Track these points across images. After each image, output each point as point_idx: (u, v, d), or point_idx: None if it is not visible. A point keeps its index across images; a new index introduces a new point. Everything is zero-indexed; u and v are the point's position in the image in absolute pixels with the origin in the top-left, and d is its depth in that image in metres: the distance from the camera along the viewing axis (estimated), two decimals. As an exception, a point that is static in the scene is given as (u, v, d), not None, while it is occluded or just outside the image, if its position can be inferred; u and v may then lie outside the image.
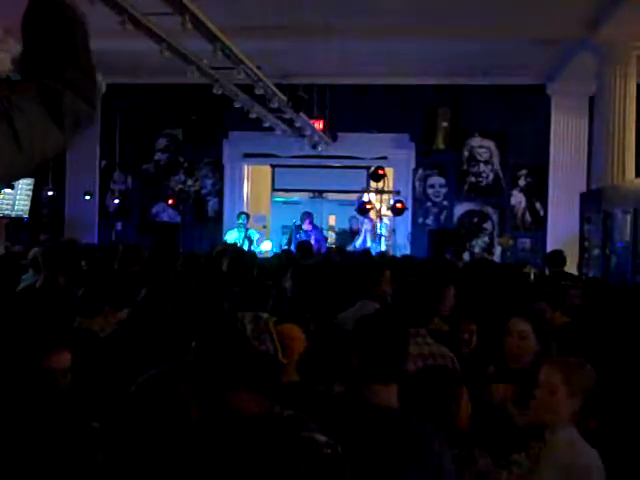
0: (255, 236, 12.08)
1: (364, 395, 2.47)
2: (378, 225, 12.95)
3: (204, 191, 13.87)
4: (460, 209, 13.34)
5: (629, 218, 9.00)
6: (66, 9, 1.36)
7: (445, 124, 13.00)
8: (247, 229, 12.02)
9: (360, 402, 2.47)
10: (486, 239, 13.25)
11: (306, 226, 12.27)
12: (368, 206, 12.54)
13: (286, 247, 11.14)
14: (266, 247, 12.37)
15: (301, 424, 1.87)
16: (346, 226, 15.11)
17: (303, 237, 11.59)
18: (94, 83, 1.37)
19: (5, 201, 12.26)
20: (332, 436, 1.86)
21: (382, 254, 10.64)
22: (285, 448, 1.79)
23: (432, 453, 2.32)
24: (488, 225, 13.28)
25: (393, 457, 2.28)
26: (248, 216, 12.44)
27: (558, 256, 7.93)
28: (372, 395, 2.46)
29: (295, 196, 16.04)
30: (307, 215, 12.49)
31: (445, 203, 13.39)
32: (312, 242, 10.11)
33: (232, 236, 11.83)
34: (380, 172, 12.27)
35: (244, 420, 1.85)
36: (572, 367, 2.68)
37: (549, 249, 10.60)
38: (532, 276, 8.51)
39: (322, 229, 13.46)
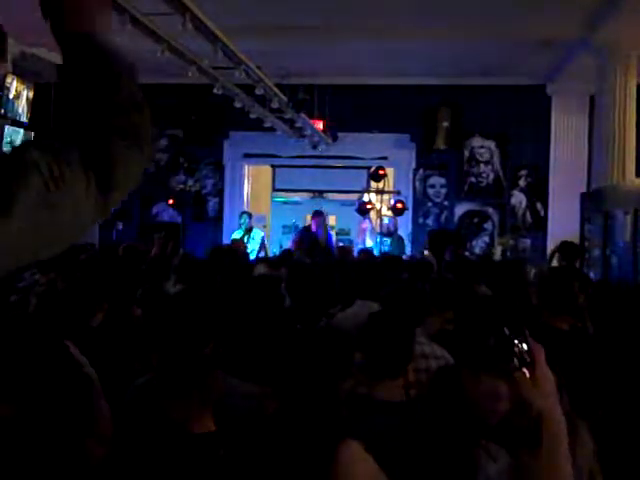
0: (259, 235, 12.01)
1: (371, 392, 2.64)
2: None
3: (204, 191, 13.86)
4: (460, 209, 13.33)
5: (629, 218, 8.98)
6: (111, 63, 1.28)
7: (445, 124, 12.98)
8: (250, 228, 11.97)
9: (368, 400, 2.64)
10: (486, 239, 13.24)
11: (314, 226, 12.09)
12: (368, 206, 12.54)
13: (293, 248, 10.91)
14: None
15: None
16: (346, 226, 15.08)
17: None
18: (148, 127, 1.30)
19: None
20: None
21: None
22: None
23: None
24: (488, 225, 13.28)
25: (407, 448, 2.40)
26: (250, 216, 12.36)
27: (573, 247, 7.32)
28: (381, 390, 2.63)
29: (295, 196, 16.05)
30: (317, 214, 12.26)
31: (445, 203, 13.38)
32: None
33: (236, 237, 11.78)
34: (380, 172, 12.27)
35: None
36: None
37: (549, 249, 10.57)
38: (532, 275, 8.47)
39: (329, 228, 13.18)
